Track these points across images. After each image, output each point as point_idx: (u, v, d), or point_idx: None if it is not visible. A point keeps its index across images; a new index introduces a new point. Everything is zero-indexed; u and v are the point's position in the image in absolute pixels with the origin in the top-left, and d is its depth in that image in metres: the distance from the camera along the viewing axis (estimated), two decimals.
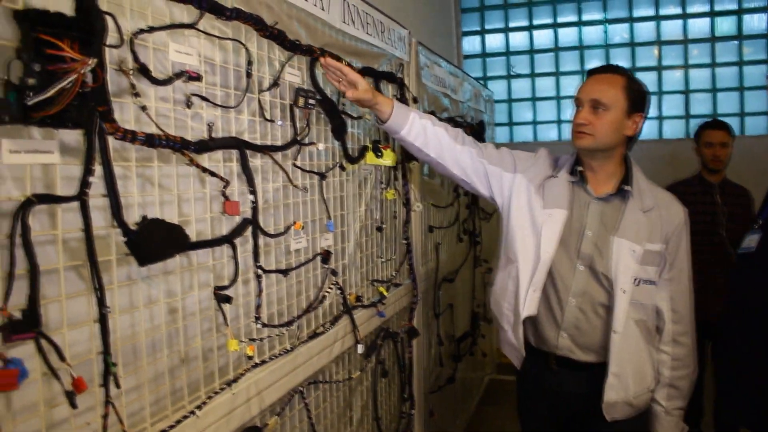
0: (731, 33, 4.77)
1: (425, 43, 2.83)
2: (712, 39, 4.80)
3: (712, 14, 4.79)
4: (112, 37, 0.99)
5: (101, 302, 1.01)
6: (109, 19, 0.96)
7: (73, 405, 0.93)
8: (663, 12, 4.89)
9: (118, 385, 1.03)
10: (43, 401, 0.94)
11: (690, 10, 4.84)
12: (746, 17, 4.73)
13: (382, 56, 2.28)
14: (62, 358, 0.93)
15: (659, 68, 4.92)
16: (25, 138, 0.91)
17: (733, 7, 4.74)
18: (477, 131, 3.79)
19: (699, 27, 4.85)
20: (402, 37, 2.48)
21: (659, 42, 4.92)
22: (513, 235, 1.88)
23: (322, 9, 1.76)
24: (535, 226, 1.84)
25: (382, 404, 2.32)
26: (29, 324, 0.88)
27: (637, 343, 1.80)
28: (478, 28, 5.31)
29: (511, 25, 5.24)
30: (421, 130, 1.88)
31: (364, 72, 2.08)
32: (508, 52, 5.26)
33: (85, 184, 0.98)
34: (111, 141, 1.02)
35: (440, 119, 3.04)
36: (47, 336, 0.91)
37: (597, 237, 1.81)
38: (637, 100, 1.80)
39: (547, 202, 1.84)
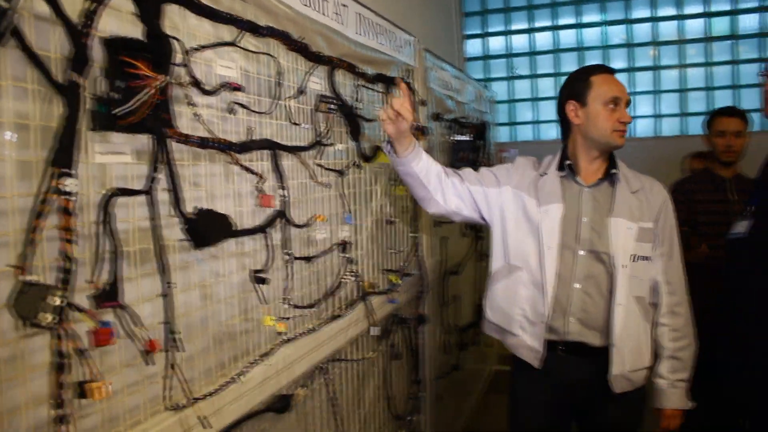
0: (726, 33, 4.95)
1: (430, 47, 3.01)
2: (708, 39, 4.98)
3: (707, 15, 4.96)
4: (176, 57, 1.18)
5: (166, 279, 1.20)
6: (174, 42, 1.16)
7: (150, 362, 1.12)
8: (660, 13, 5.07)
9: (182, 349, 1.23)
10: (120, 362, 1.13)
11: (686, 11, 5.01)
12: (740, 17, 4.91)
13: (392, 63, 2.46)
14: (139, 323, 1.12)
15: (656, 68, 5.09)
16: (107, 142, 1.10)
17: (728, 7, 4.91)
18: (480, 131, 3.98)
19: (694, 27, 5.02)
20: (410, 44, 2.67)
21: (656, 42, 5.10)
22: (515, 243, 2.00)
23: (340, 23, 1.95)
24: (533, 227, 1.96)
25: (393, 385, 2.51)
26: (113, 295, 1.07)
27: (636, 320, 1.91)
28: (480, 31, 5.50)
29: (513, 27, 5.42)
30: (425, 166, 1.98)
31: (376, 79, 2.28)
32: (509, 54, 5.44)
33: (152, 180, 1.17)
34: (172, 144, 1.22)
35: (446, 121, 3.28)
36: (125, 306, 1.11)
37: (593, 221, 1.92)
38: None
39: (541, 200, 1.96)
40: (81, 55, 0.98)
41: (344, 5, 1.97)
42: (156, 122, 1.14)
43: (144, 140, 1.19)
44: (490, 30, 5.49)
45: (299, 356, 1.72)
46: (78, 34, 0.98)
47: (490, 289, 2.12)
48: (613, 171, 1.97)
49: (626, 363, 1.91)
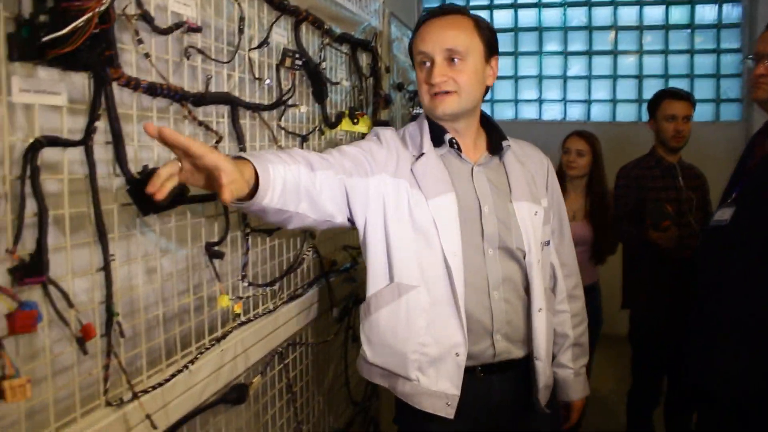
0: (684, 22, 4.93)
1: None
2: (666, 27, 4.96)
3: (667, 3, 4.93)
4: None
5: (105, 250, 0.99)
6: None
7: (84, 351, 0.92)
8: None
9: (122, 334, 1.03)
10: (48, 348, 0.92)
11: None
12: (698, 7, 4.90)
13: (357, 24, 2.27)
14: (71, 304, 0.92)
15: (615, 53, 5.05)
16: (31, 77, 0.88)
17: None
18: None
19: (654, 15, 4.99)
20: (377, 5, 2.47)
21: (615, 27, 5.04)
22: (404, 254, 1.45)
23: None
24: (423, 229, 1.43)
25: (350, 370, 2.35)
26: (38, 268, 0.86)
27: (547, 316, 1.56)
28: (439, 4, 5.32)
29: (472, 3, 5.27)
30: (281, 188, 1.16)
31: (342, 39, 2.08)
32: None
33: (90, 130, 0.96)
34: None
35: (408, 92, 3.10)
36: (55, 282, 0.90)
37: (497, 209, 1.50)
38: (493, 41, 1.52)
39: (427, 191, 1.43)
40: None
41: None
42: (95, 58, 0.93)
43: (80, 81, 0.97)
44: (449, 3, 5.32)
45: (257, 340, 1.53)
46: None
47: (367, 320, 1.52)
48: (505, 143, 1.56)
49: (547, 369, 1.58)
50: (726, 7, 4.86)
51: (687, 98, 2.88)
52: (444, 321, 1.43)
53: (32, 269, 0.85)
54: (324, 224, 1.40)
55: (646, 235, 2.67)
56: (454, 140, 1.50)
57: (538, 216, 1.54)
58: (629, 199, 2.86)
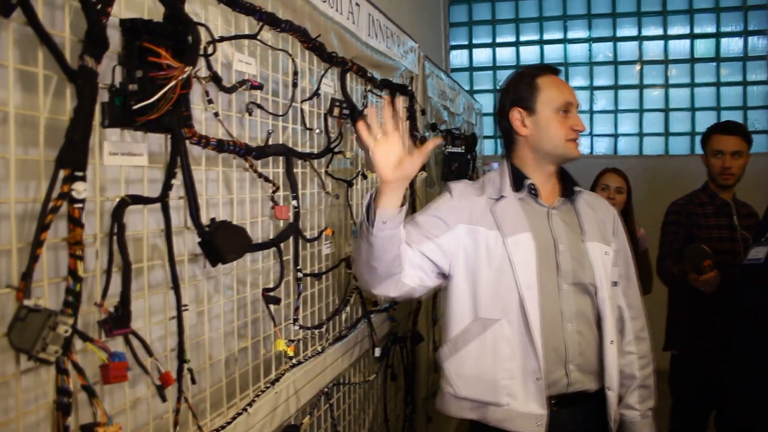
0: (709, 55, 4.97)
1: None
2: (692, 60, 5.00)
3: (692, 36, 4.98)
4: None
5: (179, 301, 1.05)
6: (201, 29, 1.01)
7: (163, 398, 0.96)
8: (645, 33, 5.07)
9: (193, 381, 1.07)
10: (128, 395, 0.97)
11: (671, 32, 5.03)
12: (723, 40, 4.94)
13: (395, 69, 2.34)
14: (150, 353, 0.97)
15: (641, 86, 5.09)
16: (120, 141, 0.95)
17: (712, 30, 4.94)
18: (469, 144, 3.87)
19: (679, 48, 5.04)
20: (413, 50, 2.55)
21: (641, 61, 5.10)
22: (488, 291, 1.59)
23: (353, 22, 1.82)
24: (500, 265, 1.58)
25: (389, 408, 2.37)
26: (124, 320, 0.91)
27: (618, 349, 1.69)
28: (466, 42, 5.43)
29: (499, 40, 5.37)
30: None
31: (383, 85, 2.15)
32: (495, 67, 5.38)
33: (167, 187, 1.02)
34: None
35: (441, 132, 3.17)
36: (136, 332, 0.95)
37: (571, 248, 1.64)
38: None
39: (506, 231, 1.59)
40: (98, 36, 0.83)
41: (357, 4, 1.85)
42: (175, 121, 0.99)
43: (157, 140, 1.04)
44: (476, 42, 5.42)
45: (306, 381, 1.57)
46: (95, 11, 0.83)
47: (454, 357, 1.62)
48: (577, 188, 1.71)
49: (616, 402, 1.67)
50: (752, 40, 4.90)
51: (737, 132, 2.70)
52: (523, 350, 1.56)
53: (120, 321, 0.90)
54: (415, 292, 1.58)
55: (688, 279, 2.53)
56: (533, 185, 1.65)
57: (608, 256, 1.66)
58: (678, 236, 2.73)
